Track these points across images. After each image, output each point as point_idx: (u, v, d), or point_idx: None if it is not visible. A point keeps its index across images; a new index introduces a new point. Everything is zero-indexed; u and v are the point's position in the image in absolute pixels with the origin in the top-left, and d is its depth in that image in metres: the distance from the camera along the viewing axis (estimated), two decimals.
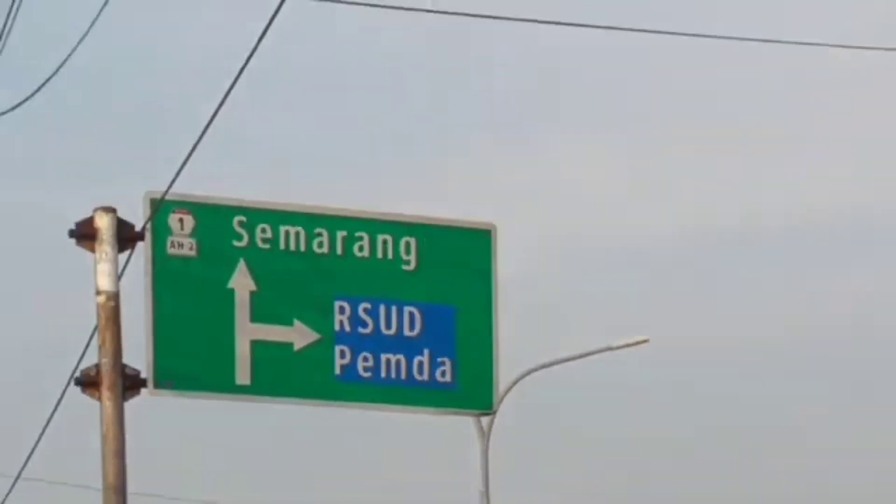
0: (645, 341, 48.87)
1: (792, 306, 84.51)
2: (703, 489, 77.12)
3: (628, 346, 47.23)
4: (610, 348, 47.72)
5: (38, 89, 20.74)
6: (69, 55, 20.23)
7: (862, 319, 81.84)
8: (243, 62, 13.41)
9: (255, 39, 12.82)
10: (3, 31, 21.00)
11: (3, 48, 21.14)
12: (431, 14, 17.73)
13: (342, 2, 15.89)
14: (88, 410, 17.81)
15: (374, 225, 18.94)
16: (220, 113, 14.51)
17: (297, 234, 18.58)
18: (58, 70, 20.73)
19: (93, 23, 19.86)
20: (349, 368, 18.55)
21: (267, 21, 12.40)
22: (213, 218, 18.39)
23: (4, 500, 25.68)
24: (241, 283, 18.33)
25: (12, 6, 20.11)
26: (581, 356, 46.52)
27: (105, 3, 18.92)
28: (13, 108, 21.39)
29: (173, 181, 16.85)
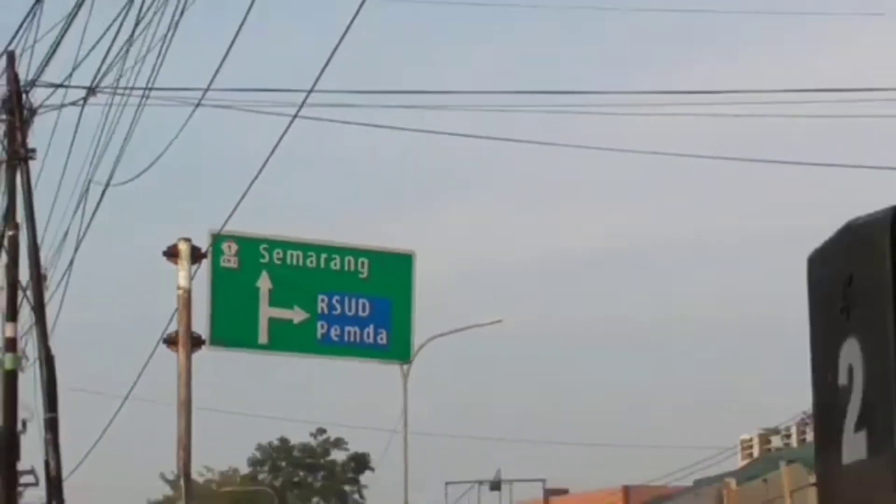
0: (499, 321, 63.51)
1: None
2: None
3: (489, 324, 63.32)
4: (477, 325, 64.44)
5: (150, 166, 27.83)
6: (165, 150, 27.48)
7: None
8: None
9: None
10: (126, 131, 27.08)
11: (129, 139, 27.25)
12: None
13: None
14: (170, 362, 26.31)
15: (342, 251, 27.68)
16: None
17: (297, 255, 26.98)
18: (161, 156, 27.66)
19: (182, 126, 26.93)
20: (326, 335, 27.13)
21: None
22: (247, 245, 26.75)
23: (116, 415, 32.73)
24: (264, 284, 26.73)
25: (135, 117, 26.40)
26: (458, 330, 61.76)
27: (191, 113, 27.00)
28: (132, 179, 28.16)
29: (225, 223, 24.73)
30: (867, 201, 4.44)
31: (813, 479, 40.32)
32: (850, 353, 4.41)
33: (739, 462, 57.45)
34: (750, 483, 45.10)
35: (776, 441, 47.77)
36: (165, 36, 21.42)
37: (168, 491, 74.17)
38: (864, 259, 4.37)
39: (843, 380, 4.44)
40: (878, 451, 4.23)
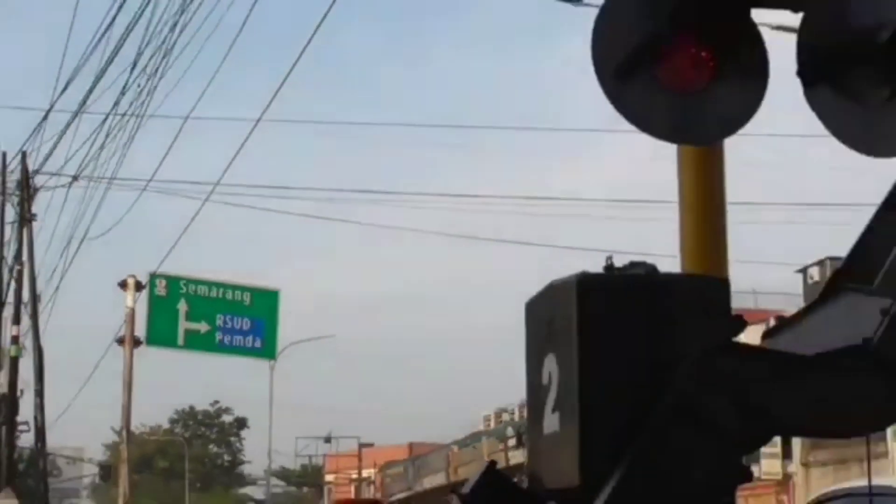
0: (332, 336, 67.78)
1: None
2: None
3: (325, 337, 63.86)
4: (327, 336, 66.22)
5: (109, 230, 27.33)
6: (118, 221, 27.63)
7: None
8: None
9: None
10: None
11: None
12: None
13: None
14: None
15: (233, 287, 29.89)
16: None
17: (204, 288, 29.10)
18: (115, 225, 29.92)
19: (132, 205, 29.46)
20: (222, 341, 29.32)
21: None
22: (172, 281, 28.94)
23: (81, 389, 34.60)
24: (182, 307, 28.87)
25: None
26: (306, 340, 57.62)
27: (137, 196, 29.05)
28: (100, 236, 27.56)
29: (158, 266, 27.80)
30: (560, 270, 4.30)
31: (501, 446, 41.85)
32: (550, 364, 4.29)
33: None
34: (466, 448, 46.69)
35: (505, 416, 48.31)
36: (124, 145, 22.53)
37: (116, 438, 74.76)
38: (560, 305, 4.25)
39: (545, 380, 4.29)
40: (566, 424, 4.17)
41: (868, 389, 4.15)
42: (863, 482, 14.36)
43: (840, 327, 4.32)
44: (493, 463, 4.69)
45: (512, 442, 39.91)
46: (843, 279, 4.58)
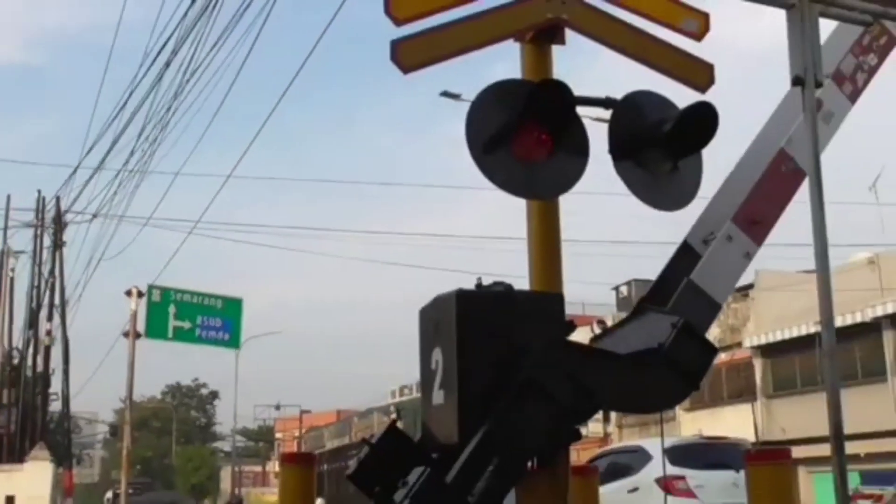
0: (281, 332, 64.62)
1: None
2: None
3: (273, 333, 60.82)
4: (277, 332, 66.93)
5: (119, 253, 28.98)
6: (125, 248, 28.81)
7: None
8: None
9: None
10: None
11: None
12: None
13: None
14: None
15: (208, 295, 29.09)
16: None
17: (188, 296, 28.42)
18: (122, 251, 29.42)
19: (133, 239, 29.20)
20: (201, 335, 28.47)
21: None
22: (165, 291, 28.03)
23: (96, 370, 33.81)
24: (172, 310, 27.94)
25: None
26: (265, 334, 54.86)
27: (138, 232, 28.39)
28: (114, 256, 29.34)
29: (155, 279, 27.43)
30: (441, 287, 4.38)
31: (387, 419, 42.02)
32: (437, 354, 4.24)
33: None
34: (364, 420, 46.69)
35: (406, 391, 47.95)
36: (131, 192, 22.80)
37: (122, 405, 73.45)
38: (444, 311, 4.21)
39: (433, 366, 4.25)
40: (448, 398, 4.12)
41: (660, 380, 4.26)
42: (636, 441, 15.66)
43: (643, 336, 4.43)
44: (394, 421, 4.81)
45: (394, 415, 39.95)
46: (646, 302, 4.74)
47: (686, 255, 4.74)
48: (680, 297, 4.45)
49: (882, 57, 4.87)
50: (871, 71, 4.82)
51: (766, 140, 4.76)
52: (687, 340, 4.27)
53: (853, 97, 4.79)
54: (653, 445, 11.59)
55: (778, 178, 4.49)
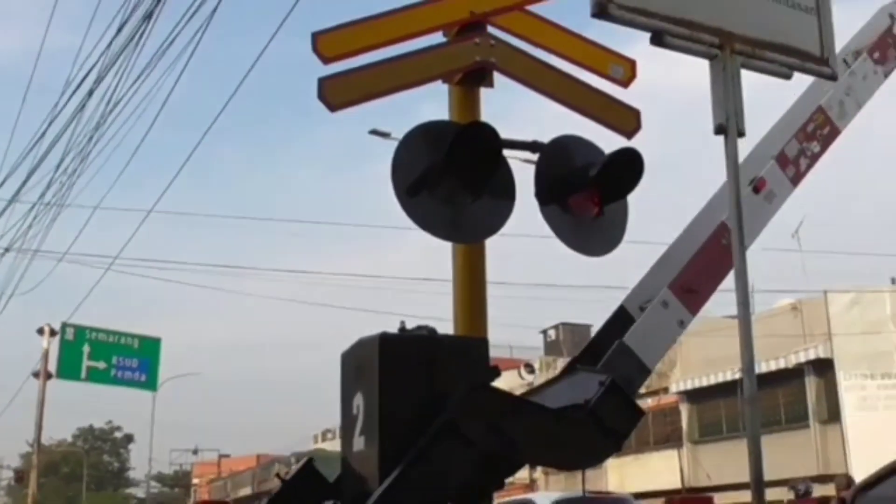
0: (200, 373, 63.59)
1: None
2: None
3: (191, 374, 60.36)
4: (196, 373, 67.10)
5: (33, 289, 28.21)
6: (39, 283, 28.14)
7: None
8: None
9: None
10: None
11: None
12: None
13: None
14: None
15: (124, 335, 28.52)
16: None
17: (104, 335, 28.03)
18: (36, 287, 28.52)
19: (47, 275, 28.52)
20: (116, 375, 27.97)
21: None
22: (79, 329, 27.46)
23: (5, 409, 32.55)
24: (86, 349, 27.38)
25: None
26: (183, 375, 55.36)
27: (53, 267, 27.79)
28: (27, 292, 28.94)
29: (70, 317, 26.79)
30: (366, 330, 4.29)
31: (286, 471, 41.00)
32: (358, 399, 4.21)
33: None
34: (265, 471, 44.24)
35: (329, 435, 47.34)
36: (47, 226, 22.34)
37: (29, 449, 71.43)
38: (366, 355, 4.19)
39: (354, 411, 4.22)
40: (370, 443, 4.11)
41: (584, 436, 4.23)
42: (527, 495, 16.30)
43: (571, 393, 4.40)
44: (310, 459, 4.71)
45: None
46: (578, 363, 4.76)
47: (621, 320, 4.78)
48: (610, 358, 4.48)
49: (824, 146, 5.07)
50: (814, 158, 5.02)
51: (709, 212, 4.87)
52: (614, 399, 4.28)
53: (795, 180, 4.96)
54: (542, 499, 12.06)
55: (717, 250, 4.58)
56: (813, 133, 5.03)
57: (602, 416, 4.25)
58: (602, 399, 4.26)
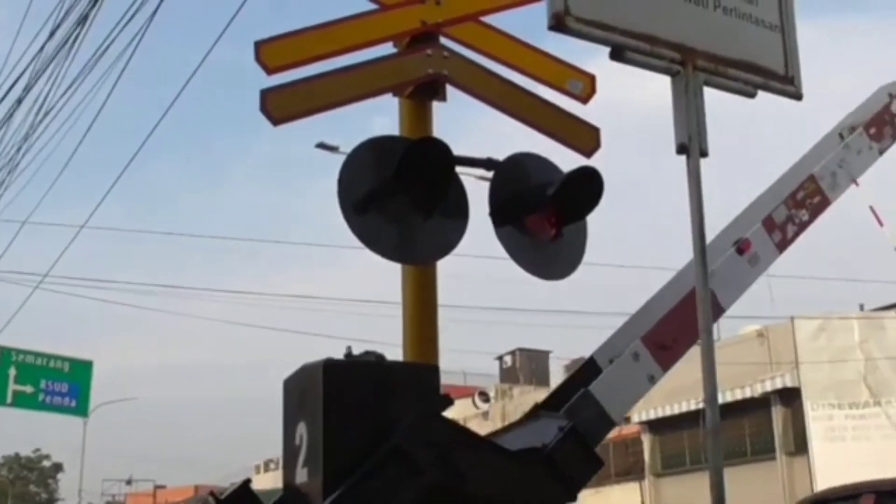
0: (135, 398, 61.54)
1: None
2: None
3: (127, 399, 55.89)
4: (130, 398, 58.96)
5: None
6: None
7: None
8: None
9: None
10: None
11: None
12: None
13: None
14: None
15: (54, 357, 28.42)
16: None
17: (32, 357, 27.82)
18: None
19: None
20: (44, 401, 27.74)
21: None
22: (5, 351, 27.30)
23: None
24: (12, 372, 27.17)
25: None
26: (117, 401, 52.02)
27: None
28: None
29: None
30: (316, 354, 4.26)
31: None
32: (301, 428, 4.17)
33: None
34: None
35: (272, 465, 47.02)
36: None
37: None
38: (310, 382, 4.13)
39: (297, 441, 4.19)
40: (313, 476, 4.05)
41: (537, 480, 4.22)
42: None
43: (533, 436, 4.40)
44: (248, 480, 4.56)
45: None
46: (541, 407, 4.76)
47: (590, 371, 4.78)
48: (574, 405, 4.47)
49: (813, 215, 5.11)
50: (802, 226, 5.06)
51: (690, 270, 4.87)
52: (572, 446, 4.28)
53: (781, 246, 4.99)
54: None
55: (694, 307, 4.60)
56: (802, 201, 5.07)
57: (558, 462, 4.25)
58: (560, 444, 4.26)
